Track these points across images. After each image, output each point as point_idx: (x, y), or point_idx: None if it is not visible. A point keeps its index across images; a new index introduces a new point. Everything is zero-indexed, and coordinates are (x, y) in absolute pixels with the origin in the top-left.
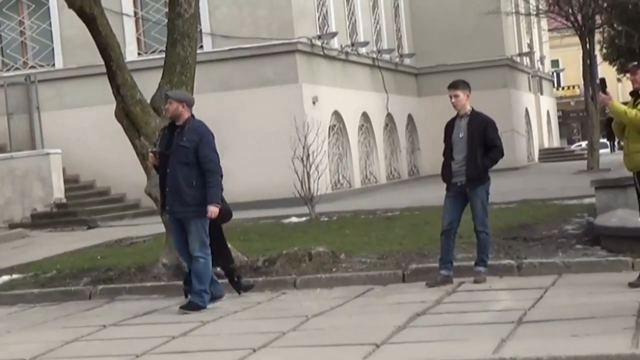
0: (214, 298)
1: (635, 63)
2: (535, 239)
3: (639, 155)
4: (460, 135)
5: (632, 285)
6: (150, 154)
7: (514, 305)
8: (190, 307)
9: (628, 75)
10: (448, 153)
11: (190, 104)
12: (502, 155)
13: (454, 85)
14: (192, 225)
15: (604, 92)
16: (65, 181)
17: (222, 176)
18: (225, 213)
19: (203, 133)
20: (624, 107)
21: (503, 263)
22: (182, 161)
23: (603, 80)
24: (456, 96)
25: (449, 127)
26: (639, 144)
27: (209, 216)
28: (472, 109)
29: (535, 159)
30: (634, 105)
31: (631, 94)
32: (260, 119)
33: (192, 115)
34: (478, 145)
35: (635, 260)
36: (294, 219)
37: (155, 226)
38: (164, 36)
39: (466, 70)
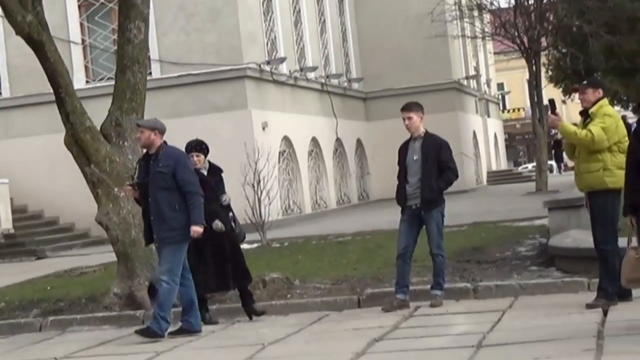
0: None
1: (585, 82)
2: (489, 261)
3: (589, 175)
4: (415, 158)
5: (589, 306)
6: (129, 187)
7: (473, 329)
8: (147, 332)
9: (577, 95)
10: (402, 176)
11: (162, 131)
12: (457, 177)
13: (407, 108)
14: (169, 248)
15: (554, 112)
16: (13, 211)
17: (203, 197)
18: (239, 234)
19: (178, 157)
20: (574, 128)
21: (459, 286)
22: (162, 187)
23: (552, 101)
24: (410, 118)
25: (403, 150)
26: (589, 163)
27: (193, 236)
28: (426, 130)
29: (484, 182)
30: (584, 125)
31: (581, 113)
32: (210, 145)
33: (165, 142)
34: (432, 167)
35: (591, 281)
36: (245, 246)
37: (105, 255)
38: (112, 63)
39: (414, 93)
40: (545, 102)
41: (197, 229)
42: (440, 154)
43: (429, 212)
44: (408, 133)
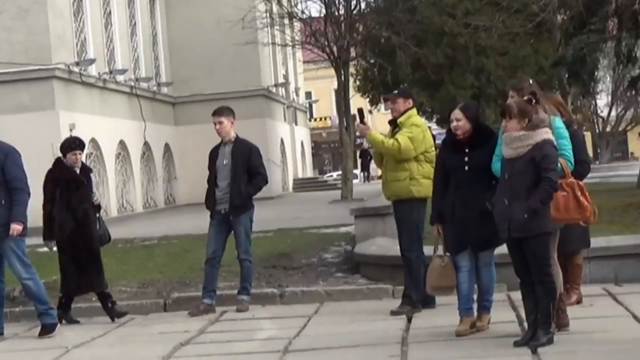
0: None
1: (396, 92)
2: (295, 267)
3: (396, 184)
4: (225, 162)
5: (394, 313)
6: None
7: (279, 334)
8: (47, 330)
9: (385, 104)
10: (212, 180)
11: None
12: (266, 182)
13: (218, 112)
14: (7, 246)
15: (362, 122)
16: None
17: (29, 194)
18: (103, 235)
19: (9, 151)
20: (381, 137)
21: (265, 291)
22: None
23: (361, 110)
24: (220, 123)
25: (213, 154)
26: (396, 172)
27: (11, 234)
28: (237, 135)
29: (290, 189)
30: (392, 135)
31: (390, 122)
32: (15, 145)
33: None
34: (242, 172)
35: (396, 288)
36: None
37: None
38: None
39: (223, 99)
40: (353, 111)
41: (16, 227)
42: (250, 159)
43: (237, 217)
44: (218, 138)
